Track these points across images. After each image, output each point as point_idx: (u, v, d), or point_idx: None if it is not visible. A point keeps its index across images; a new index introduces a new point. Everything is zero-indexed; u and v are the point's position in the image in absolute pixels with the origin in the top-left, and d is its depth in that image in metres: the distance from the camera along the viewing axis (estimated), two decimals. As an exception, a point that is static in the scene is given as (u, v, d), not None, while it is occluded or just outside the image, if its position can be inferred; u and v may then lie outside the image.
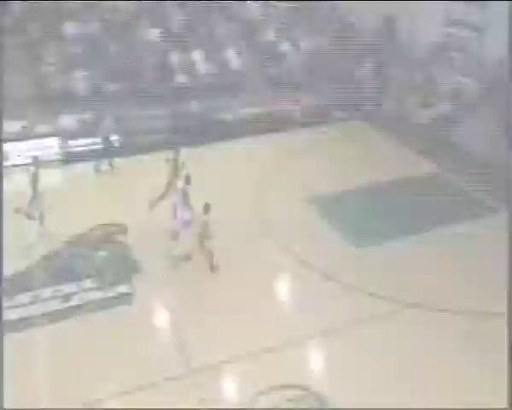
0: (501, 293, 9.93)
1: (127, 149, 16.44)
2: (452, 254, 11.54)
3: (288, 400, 8.06)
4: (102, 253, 11.54)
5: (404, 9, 20.19)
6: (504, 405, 7.51)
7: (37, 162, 12.27)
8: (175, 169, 12.50)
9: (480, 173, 14.63)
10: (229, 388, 8.61)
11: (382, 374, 8.47)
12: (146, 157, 15.74)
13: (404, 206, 13.27)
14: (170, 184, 12.27)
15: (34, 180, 11.98)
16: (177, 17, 21.06)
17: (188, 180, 11.66)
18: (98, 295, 10.27)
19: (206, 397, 8.08)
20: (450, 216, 12.74)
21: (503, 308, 9.50)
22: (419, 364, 8.66)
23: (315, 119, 18.95)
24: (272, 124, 18.61)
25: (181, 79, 19.13)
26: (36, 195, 11.95)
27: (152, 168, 13.82)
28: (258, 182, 14.58)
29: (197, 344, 9.10)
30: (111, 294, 10.31)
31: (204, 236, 10.63)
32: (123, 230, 12.32)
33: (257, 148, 17.12)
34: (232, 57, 20.14)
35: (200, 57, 19.77)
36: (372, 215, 12.90)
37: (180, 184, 11.75)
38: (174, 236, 11.45)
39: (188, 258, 10.97)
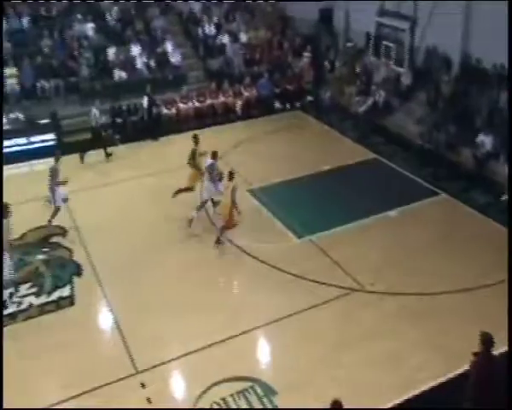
0: (443, 273, 10.53)
1: (66, 148, 15.99)
2: (395, 237, 11.91)
3: (237, 392, 8.13)
4: (41, 256, 11.22)
5: (339, 1, 20.68)
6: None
7: None
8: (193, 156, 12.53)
9: (416, 158, 15.28)
10: (176, 385, 8.56)
11: (331, 359, 8.65)
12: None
13: (346, 193, 13.58)
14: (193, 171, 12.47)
15: None
16: (112, 11, 20.62)
17: (214, 156, 12.05)
18: (38, 299, 9.98)
19: (152, 397, 8.05)
20: (391, 200, 13.14)
21: (445, 288, 10.05)
22: (367, 346, 8.85)
23: (256, 110, 19.13)
24: (214, 117, 18.66)
25: (119, 74, 18.78)
26: None
27: (87, 166, 13.63)
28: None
29: (142, 343, 8.99)
30: (51, 298, 10.04)
31: (234, 201, 11.10)
32: (62, 232, 12.05)
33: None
34: (171, 51, 19.92)
35: (139, 52, 19.45)
36: (314, 204, 13.15)
37: (208, 161, 12.06)
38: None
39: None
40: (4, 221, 9.60)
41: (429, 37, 16.75)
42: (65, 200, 12.13)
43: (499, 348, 7.81)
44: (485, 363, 6.56)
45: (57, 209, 12.06)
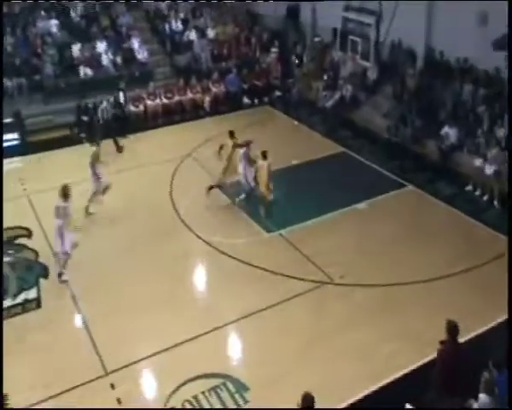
0: (411, 264, 10.69)
1: (29, 148, 15.69)
2: (365, 229, 12.03)
3: (209, 389, 8.09)
4: (6, 258, 10.93)
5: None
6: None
7: None
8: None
9: (383, 151, 15.49)
10: (147, 385, 8.45)
11: (303, 352, 8.67)
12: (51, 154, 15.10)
13: (315, 187, 13.63)
14: (229, 159, 12.74)
15: None
16: (76, 8, 20.24)
17: (248, 144, 12.59)
18: (4, 303, 9.72)
19: (122, 397, 7.95)
20: (360, 193, 13.26)
21: (414, 278, 10.19)
22: (339, 338, 8.92)
23: (225, 106, 19.07)
24: (182, 113, 18.53)
25: (85, 71, 18.46)
26: None
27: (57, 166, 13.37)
28: (168, 172, 14.44)
29: (112, 343, 8.87)
30: (17, 301, 9.81)
31: (270, 178, 12.11)
32: (28, 233, 11.79)
33: (167, 138, 16.94)
34: (138, 48, 19.68)
35: (105, 49, 19.15)
36: (284, 198, 13.18)
37: (244, 149, 12.63)
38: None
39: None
40: (66, 204, 10.16)
41: (394, 31, 16.95)
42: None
43: (465, 336, 8.03)
44: (450, 351, 6.68)
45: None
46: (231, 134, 13.00)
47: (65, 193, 10.18)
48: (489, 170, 12.87)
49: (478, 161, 13.33)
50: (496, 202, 12.79)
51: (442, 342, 6.80)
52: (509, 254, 9.73)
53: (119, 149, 15.70)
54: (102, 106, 16.80)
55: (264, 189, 12.34)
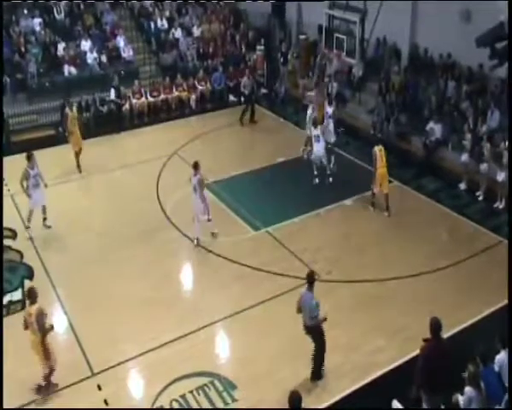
0: (396, 259, 10.78)
1: (13, 148, 15.51)
2: (351, 225, 12.10)
3: (196, 388, 8.08)
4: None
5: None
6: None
7: None
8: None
9: (369, 147, 15.49)
10: (134, 385, 8.44)
11: (290, 349, 8.69)
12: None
13: (301, 184, 13.64)
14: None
15: None
16: (60, 6, 20.03)
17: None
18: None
19: (109, 398, 7.92)
20: (346, 190, 13.34)
21: (399, 273, 10.28)
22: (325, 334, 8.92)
23: (211, 104, 19.02)
24: (168, 111, 18.45)
25: (69, 70, 18.30)
26: None
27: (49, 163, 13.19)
28: (155, 170, 14.38)
29: (98, 345, 8.83)
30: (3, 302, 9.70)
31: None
32: (13, 235, 11.67)
33: (153, 136, 16.87)
34: (123, 46, 19.54)
35: (89, 47, 18.98)
36: (270, 196, 13.23)
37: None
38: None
39: None
40: None
41: (379, 28, 16.99)
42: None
43: (450, 330, 8.12)
44: (432, 348, 6.72)
45: None
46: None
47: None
48: (482, 167, 12.87)
49: (464, 157, 13.42)
50: (481, 197, 12.89)
51: (425, 340, 6.83)
52: (510, 254, 9.80)
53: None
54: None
55: None
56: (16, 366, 8.34)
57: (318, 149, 13.39)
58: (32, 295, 7.92)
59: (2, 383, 7.25)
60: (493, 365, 6.75)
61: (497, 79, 14.05)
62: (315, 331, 7.97)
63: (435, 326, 6.71)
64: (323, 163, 13.65)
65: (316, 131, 13.42)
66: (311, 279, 7.91)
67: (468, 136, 13.58)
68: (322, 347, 8.09)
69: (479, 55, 13.49)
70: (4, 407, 7.47)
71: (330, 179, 13.68)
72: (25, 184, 11.52)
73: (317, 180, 13.59)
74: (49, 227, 11.89)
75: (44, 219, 11.91)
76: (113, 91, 17.29)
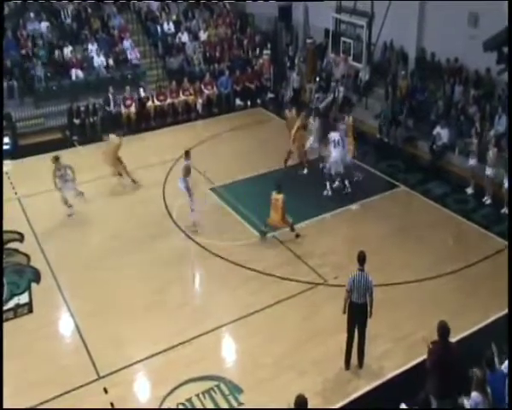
0: (403, 264, 10.73)
1: (21, 151, 15.61)
2: (357, 230, 12.12)
3: (203, 392, 8.07)
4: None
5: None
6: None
7: None
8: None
9: (375, 151, 15.54)
10: (141, 388, 8.43)
11: (296, 354, 8.67)
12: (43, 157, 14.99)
13: (308, 188, 13.62)
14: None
15: None
16: (67, 10, 20.17)
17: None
18: (-4, 308, 9.69)
19: (116, 401, 7.92)
20: (352, 194, 13.30)
21: (406, 278, 10.23)
22: (332, 339, 8.90)
23: (217, 108, 19.05)
24: (175, 115, 18.49)
25: (76, 73, 18.39)
26: None
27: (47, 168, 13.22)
28: (161, 174, 14.40)
29: (104, 347, 8.83)
30: (8, 306, 9.74)
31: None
32: (20, 238, 11.72)
33: (159, 141, 16.91)
34: (130, 50, 19.63)
35: (96, 51, 19.08)
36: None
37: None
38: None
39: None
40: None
41: (386, 32, 17.03)
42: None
43: (456, 335, 8.07)
44: (439, 352, 6.69)
45: None
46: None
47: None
48: (488, 171, 12.78)
49: (472, 161, 13.35)
50: (488, 202, 12.82)
51: (433, 343, 6.81)
52: (509, 254, 9.76)
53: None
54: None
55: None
56: (24, 367, 8.38)
57: (335, 155, 12.90)
58: None
59: (2, 383, 7.24)
60: (501, 370, 6.70)
61: (504, 84, 14.02)
62: (366, 311, 8.15)
63: (443, 330, 6.68)
64: (339, 171, 13.11)
65: (335, 136, 12.93)
66: (361, 257, 8.23)
67: (475, 140, 13.55)
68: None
69: (486, 59, 13.56)
70: (13, 407, 7.54)
71: (348, 190, 13.33)
72: (56, 181, 12.28)
73: (329, 193, 13.24)
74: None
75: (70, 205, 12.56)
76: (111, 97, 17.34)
